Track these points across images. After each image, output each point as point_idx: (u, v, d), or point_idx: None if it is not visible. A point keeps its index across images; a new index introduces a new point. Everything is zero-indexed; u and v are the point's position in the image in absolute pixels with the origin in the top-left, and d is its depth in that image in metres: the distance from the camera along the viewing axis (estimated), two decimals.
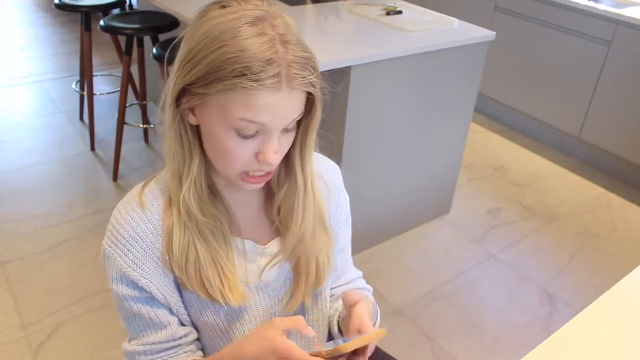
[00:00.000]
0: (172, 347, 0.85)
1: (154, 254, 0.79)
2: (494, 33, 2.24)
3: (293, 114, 0.72)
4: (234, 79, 0.66)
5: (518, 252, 2.44)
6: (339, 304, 0.98)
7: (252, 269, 0.86)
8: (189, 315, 0.86)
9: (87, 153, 2.93)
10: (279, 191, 0.85)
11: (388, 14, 2.34)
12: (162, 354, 0.85)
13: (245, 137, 0.72)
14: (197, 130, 0.77)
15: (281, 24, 0.70)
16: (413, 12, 2.39)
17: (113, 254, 0.79)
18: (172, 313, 0.84)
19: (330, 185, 0.95)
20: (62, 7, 2.71)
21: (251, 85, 0.66)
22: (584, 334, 0.93)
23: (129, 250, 0.78)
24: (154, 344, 0.84)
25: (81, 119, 3.25)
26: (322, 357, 0.70)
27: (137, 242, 0.78)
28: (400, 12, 2.36)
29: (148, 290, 0.80)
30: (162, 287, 0.81)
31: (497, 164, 3.13)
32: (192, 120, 0.75)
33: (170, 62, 0.75)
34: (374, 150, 2.14)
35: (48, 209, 2.47)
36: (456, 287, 2.21)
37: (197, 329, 0.89)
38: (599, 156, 3.12)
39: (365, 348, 0.76)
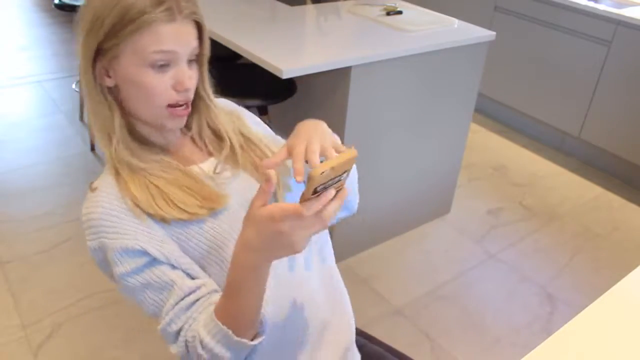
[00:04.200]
0: (192, 303, 0.84)
1: (127, 217, 0.84)
2: (494, 33, 2.24)
3: (192, 41, 0.85)
4: (137, 20, 0.79)
5: (518, 252, 2.44)
6: None
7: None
8: (195, 262, 0.88)
9: (86, 153, 2.93)
10: (190, 121, 0.95)
11: (388, 14, 2.34)
12: (186, 313, 0.84)
13: (161, 70, 0.83)
14: (112, 93, 0.87)
15: None
16: (413, 12, 2.39)
17: (100, 239, 0.84)
18: (173, 267, 0.85)
19: (232, 109, 1.05)
20: (62, 7, 2.71)
21: (152, 19, 0.80)
22: (584, 334, 0.93)
23: (108, 227, 0.84)
24: (172, 307, 0.84)
25: (81, 119, 3.25)
26: (306, 200, 0.65)
27: (110, 216, 0.84)
28: (400, 12, 2.36)
29: (141, 249, 0.83)
30: (151, 240, 0.84)
31: (497, 164, 3.13)
32: (108, 82, 0.85)
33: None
34: (373, 150, 2.14)
35: (48, 209, 2.48)
36: (456, 287, 2.21)
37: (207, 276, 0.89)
38: (599, 156, 3.12)
39: (342, 190, 0.70)
